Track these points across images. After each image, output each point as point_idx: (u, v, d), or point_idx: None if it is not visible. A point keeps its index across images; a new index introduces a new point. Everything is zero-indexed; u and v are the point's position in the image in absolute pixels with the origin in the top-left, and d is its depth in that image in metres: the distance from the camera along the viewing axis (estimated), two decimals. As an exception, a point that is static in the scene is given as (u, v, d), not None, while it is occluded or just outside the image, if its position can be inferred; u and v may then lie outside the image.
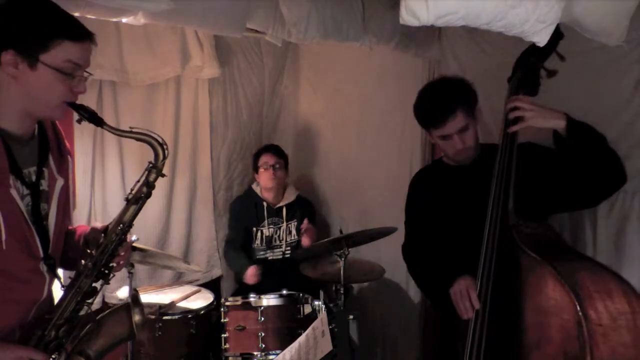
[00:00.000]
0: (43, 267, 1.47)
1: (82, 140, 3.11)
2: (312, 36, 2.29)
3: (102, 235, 1.55)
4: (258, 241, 3.41)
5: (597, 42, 1.73)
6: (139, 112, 3.31)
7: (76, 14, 1.92)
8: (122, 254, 1.58)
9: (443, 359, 2.29)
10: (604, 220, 2.09)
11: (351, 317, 2.78)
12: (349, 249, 2.69)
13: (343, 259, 2.67)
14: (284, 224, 3.44)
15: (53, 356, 1.45)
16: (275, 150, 3.46)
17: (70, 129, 3.00)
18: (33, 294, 1.48)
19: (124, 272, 2.66)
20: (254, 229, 3.41)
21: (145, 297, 2.91)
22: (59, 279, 1.55)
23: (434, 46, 2.81)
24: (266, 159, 3.39)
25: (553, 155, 1.89)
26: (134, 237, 2.61)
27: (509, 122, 1.82)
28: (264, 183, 3.41)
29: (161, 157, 1.54)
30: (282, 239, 3.43)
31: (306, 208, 3.52)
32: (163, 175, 1.57)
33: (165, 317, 2.73)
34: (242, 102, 3.74)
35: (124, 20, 2.09)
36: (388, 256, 3.05)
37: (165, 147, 1.55)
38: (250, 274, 3.20)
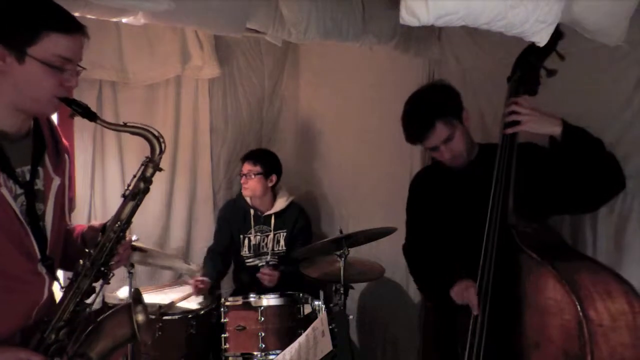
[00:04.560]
0: (41, 269, 1.43)
1: (81, 139, 3.11)
2: (312, 36, 2.29)
3: (100, 233, 1.51)
4: (246, 248, 3.31)
5: (597, 42, 1.73)
6: (139, 112, 3.31)
7: (76, 14, 1.92)
8: (122, 252, 1.54)
9: (442, 358, 2.29)
10: (604, 220, 2.08)
11: (351, 317, 2.79)
12: (349, 249, 2.69)
13: (343, 259, 2.67)
14: (272, 233, 3.30)
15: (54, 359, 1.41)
16: (252, 156, 3.28)
17: (70, 127, 3.00)
18: (33, 296, 1.44)
19: (124, 272, 2.67)
20: (241, 236, 3.31)
21: (145, 297, 2.87)
22: (57, 280, 1.51)
23: (434, 46, 2.80)
24: (242, 167, 3.28)
25: (552, 158, 1.90)
26: (134, 237, 2.61)
27: (506, 125, 1.82)
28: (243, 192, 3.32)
29: (158, 150, 1.49)
30: (269, 248, 3.31)
31: (298, 217, 3.34)
32: (160, 170, 1.52)
33: (165, 317, 2.73)
34: (242, 102, 3.74)
35: (124, 20, 2.10)
36: (388, 256, 3.05)
37: (162, 140, 1.50)
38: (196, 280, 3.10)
